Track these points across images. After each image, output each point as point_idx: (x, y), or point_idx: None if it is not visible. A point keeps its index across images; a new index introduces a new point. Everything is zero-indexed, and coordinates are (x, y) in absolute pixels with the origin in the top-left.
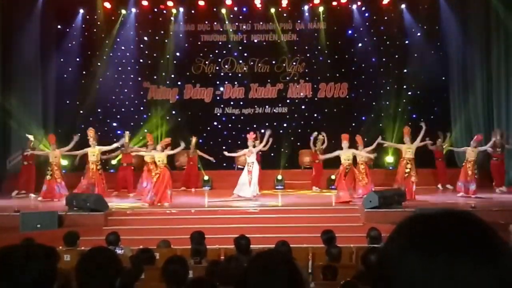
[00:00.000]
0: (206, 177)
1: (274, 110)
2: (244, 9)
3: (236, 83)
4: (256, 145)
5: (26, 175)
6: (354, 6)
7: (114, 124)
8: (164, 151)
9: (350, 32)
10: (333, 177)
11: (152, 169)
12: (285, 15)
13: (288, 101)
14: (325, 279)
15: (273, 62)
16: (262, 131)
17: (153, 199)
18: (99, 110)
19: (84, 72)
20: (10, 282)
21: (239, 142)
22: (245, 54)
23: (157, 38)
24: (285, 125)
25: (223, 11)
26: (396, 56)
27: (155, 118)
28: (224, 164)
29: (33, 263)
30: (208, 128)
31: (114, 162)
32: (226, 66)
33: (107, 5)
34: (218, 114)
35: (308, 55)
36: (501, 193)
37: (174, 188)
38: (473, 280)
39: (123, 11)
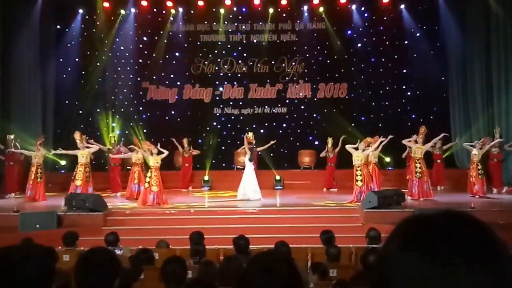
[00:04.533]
0: (206, 177)
1: (274, 110)
2: (244, 9)
3: (235, 83)
4: (246, 148)
5: (9, 176)
6: (354, 6)
7: (113, 124)
8: (159, 154)
9: (349, 32)
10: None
11: (139, 171)
12: (284, 15)
13: (287, 101)
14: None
15: (273, 62)
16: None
17: (156, 201)
18: (98, 110)
19: (83, 72)
20: (8, 282)
21: (238, 142)
22: (245, 54)
23: (156, 38)
24: (284, 125)
25: (222, 11)
26: (396, 56)
27: (154, 119)
28: (224, 165)
29: (32, 263)
30: (208, 128)
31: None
32: (226, 66)
33: (107, 5)
34: (218, 114)
35: (307, 55)
36: (499, 194)
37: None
38: (470, 281)
39: (122, 11)
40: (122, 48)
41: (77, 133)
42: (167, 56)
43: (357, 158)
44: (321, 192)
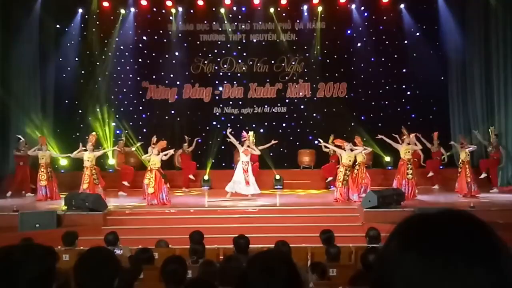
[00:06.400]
0: (206, 177)
1: (273, 110)
2: (243, 9)
3: (235, 82)
4: (250, 146)
5: (21, 175)
6: (353, 6)
7: (113, 124)
8: (159, 154)
9: (349, 31)
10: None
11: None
12: (284, 14)
13: (287, 100)
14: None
15: (272, 61)
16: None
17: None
18: (97, 110)
19: (82, 72)
20: (9, 282)
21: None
22: (244, 54)
23: (156, 37)
24: (284, 125)
25: (222, 10)
26: (395, 56)
27: (154, 118)
28: (223, 164)
29: (32, 263)
30: (207, 128)
31: (112, 162)
32: (225, 66)
33: (106, 4)
34: (217, 114)
35: (307, 54)
36: (494, 193)
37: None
38: (470, 281)
39: (122, 11)
40: (121, 47)
41: (94, 135)
42: (166, 56)
43: (349, 158)
44: (319, 190)
